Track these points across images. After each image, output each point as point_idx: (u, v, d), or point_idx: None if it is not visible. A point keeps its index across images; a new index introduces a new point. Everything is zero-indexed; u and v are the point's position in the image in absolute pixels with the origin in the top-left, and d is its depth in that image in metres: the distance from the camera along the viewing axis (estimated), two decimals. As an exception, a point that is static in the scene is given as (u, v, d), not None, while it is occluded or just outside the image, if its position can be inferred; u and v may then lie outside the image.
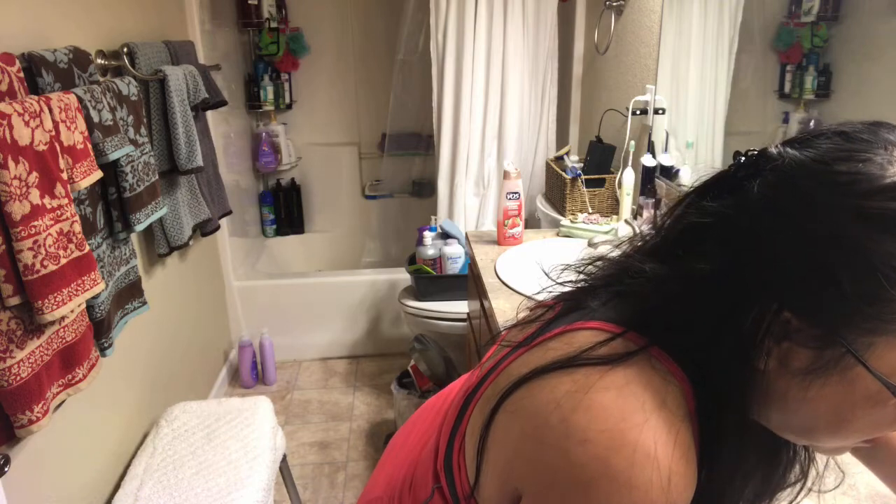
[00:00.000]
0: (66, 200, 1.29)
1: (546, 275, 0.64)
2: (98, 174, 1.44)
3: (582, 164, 2.38)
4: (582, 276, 0.61)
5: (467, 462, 0.59)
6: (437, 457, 0.66)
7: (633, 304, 0.54)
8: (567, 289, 0.62)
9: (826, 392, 0.47)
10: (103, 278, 1.46)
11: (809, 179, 0.47)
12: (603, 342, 0.50)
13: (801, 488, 0.64)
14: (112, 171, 1.59)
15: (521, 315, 0.65)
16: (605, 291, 0.57)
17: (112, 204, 1.62)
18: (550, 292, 0.64)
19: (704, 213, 0.52)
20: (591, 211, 2.20)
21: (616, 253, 0.61)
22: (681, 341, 0.50)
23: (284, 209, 3.60)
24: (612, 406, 0.46)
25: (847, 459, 0.96)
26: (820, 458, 0.68)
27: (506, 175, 1.91)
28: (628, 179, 2.03)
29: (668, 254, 0.54)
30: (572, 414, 0.46)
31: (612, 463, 0.44)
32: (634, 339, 0.51)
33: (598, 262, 0.61)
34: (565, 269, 0.62)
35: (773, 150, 0.50)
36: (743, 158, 0.52)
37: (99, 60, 1.70)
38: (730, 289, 0.48)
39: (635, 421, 0.45)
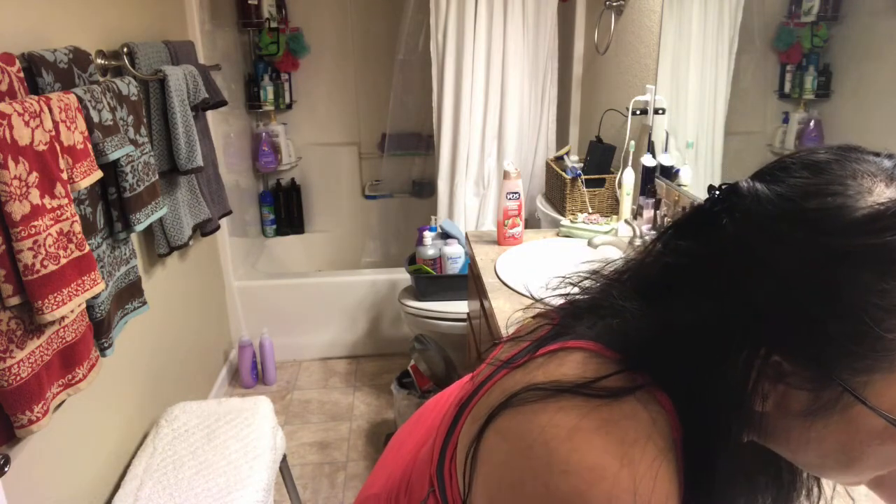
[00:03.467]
0: (66, 200, 1.29)
1: (532, 297, 0.62)
2: (98, 174, 1.44)
3: (582, 164, 2.38)
4: (573, 292, 0.60)
5: (458, 474, 0.58)
6: (432, 462, 0.65)
7: (619, 339, 0.52)
8: (559, 302, 0.62)
9: (830, 431, 0.46)
10: (103, 278, 1.46)
11: (780, 220, 0.46)
12: (596, 379, 0.49)
13: None
14: (112, 171, 1.59)
15: (514, 329, 0.64)
16: (590, 316, 0.56)
17: (112, 204, 1.62)
18: (543, 307, 0.63)
19: (680, 253, 0.51)
20: (591, 211, 2.20)
21: (611, 265, 0.60)
22: (671, 380, 0.49)
23: (284, 209, 3.60)
24: (596, 440, 0.45)
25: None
26: (827, 485, 0.67)
27: (506, 175, 1.91)
28: (628, 179, 2.03)
29: (648, 292, 0.53)
30: (557, 444, 0.46)
31: (591, 496, 0.43)
32: (627, 375, 0.49)
33: (591, 277, 0.60)
34: (560, 281, 0.61)
35: (744, 186, 0.49)
36: (717, 192, 0.51)
37: (99, 60, 1.70)
38: (714, 334, 0.47)
39: (617, 455, 0.44)
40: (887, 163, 0.48)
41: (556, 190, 2.38)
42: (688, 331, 0.48)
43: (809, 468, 0.51)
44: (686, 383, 0.48)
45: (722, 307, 0.47)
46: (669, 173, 2.00)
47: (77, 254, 1.32)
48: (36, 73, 1.34)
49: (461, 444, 0.58)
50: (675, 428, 0.48)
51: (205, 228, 2.32)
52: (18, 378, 1.19)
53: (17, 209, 1.15)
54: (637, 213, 2.02)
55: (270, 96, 3.33)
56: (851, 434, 0.45)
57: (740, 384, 0.46)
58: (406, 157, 3.49)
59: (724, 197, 0.49)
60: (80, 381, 1.39)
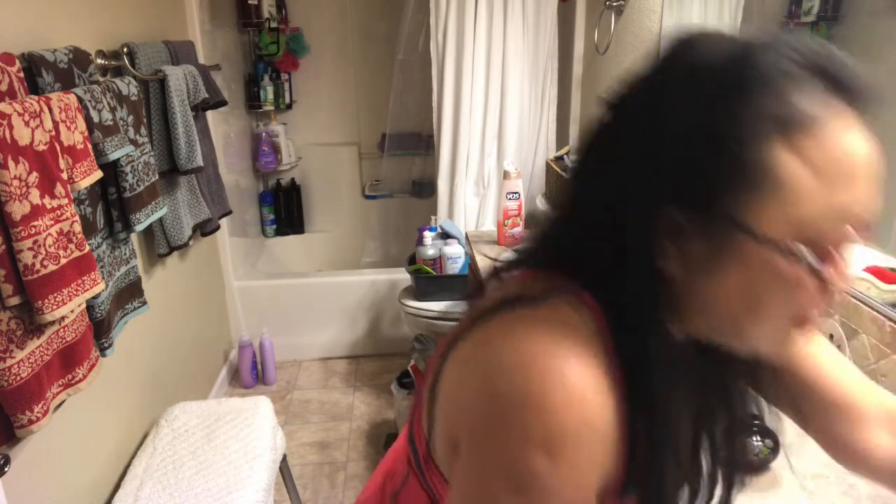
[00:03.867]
0: (66, 200, 1.29)
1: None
2: (98, 174, 1.44)
3: (582, 164, 2.38)
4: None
5: (424, 425, 0.60)
6: (406, 436, 0.67)
7: (545, 249, 0.58)
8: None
9: (731, 278, 0.48)
10: (103, 278, 1.46)
11: (659, 74, 0.51)
12: (526, 292, 0.53)
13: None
14: (112, 171, 1.59)
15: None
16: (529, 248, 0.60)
17: (112, 204, 1.62)
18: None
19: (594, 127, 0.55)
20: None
21: None
22: (589, 269, 0.52)
23: (284, 209, 3.60)
24: (529, 339, 0.48)
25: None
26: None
27: (506, 175, 1.91)
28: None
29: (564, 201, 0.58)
30: (496, 351, 0.49)
31: (529, 390, 0.46)
32: (551, 279, 0.53)
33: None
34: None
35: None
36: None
37: (99, 60, 1.70)
38: (616, 200, 0.50)
39: (549, 351, 0.47)
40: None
41: (556, 190, 2.38)
42: (591, 206, 0.53)
43: (727, 331, 0.52)
44: (600, 261, 0.51)
45: (618, 170, 0.50)
46: (669, 173, 2.00)
47: (77, 254, 1.32)
48: (36, 73, 1.34)
49: (425, 395, 0.59)
50: (603, 327, 0.50)
51: (205, 228, 2.32)
52: (18, 378, 1.19)
53: (17, 209, 1.15)
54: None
55: (270, 96, 3.33)
56: (750, 275, 0.47)
57: (644, 244, 0.49)
58: (406, 157, 3.49)
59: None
60: (80, 381, 1.39)
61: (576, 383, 0.46)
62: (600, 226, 0.51)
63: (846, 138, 0.46)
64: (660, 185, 0.48)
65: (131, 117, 1.67)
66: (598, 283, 0.51)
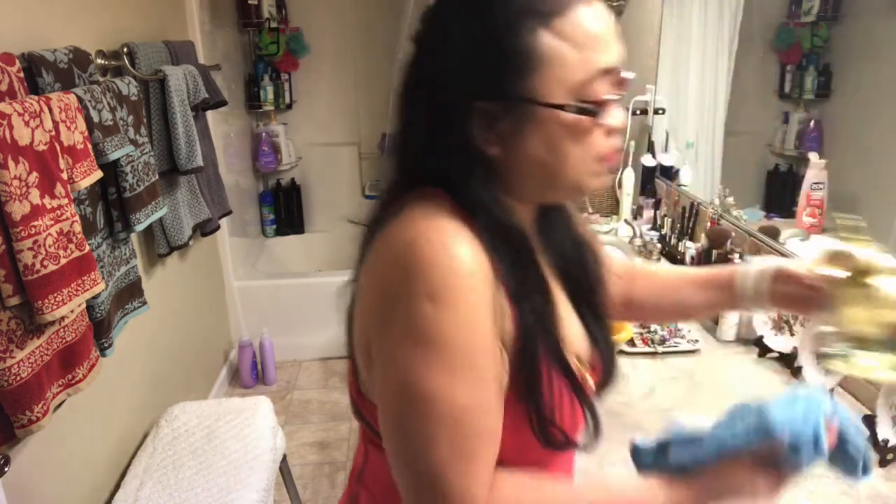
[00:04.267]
0: (66, 200, 1.29)
1: None
2: (98, 174, 1.44)
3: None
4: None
5: (356, 364, 0.69)
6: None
7: (401, 173, 0.68)
8: None
9: (537, 141, 0.60)
10: (103, 278, 1.46)
11: (440, 3, 0.63)
12: (399, 203, 0.63)
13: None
14: (112, 171, 1.59)
15: None
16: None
17: (112, 204, 1.62)
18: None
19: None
20: (591, 211, 2.20)
21: None
22: (435, 172, 0.63)
23: (284, 209, 3.60)
24: (411, 224, 0.59)
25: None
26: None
27: (506, 175, 1.91)
28: (628, 179, 2.03)
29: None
30: (387, 244, 0.60)
31: (414, 256, 0.56)
32: (416, 191, 0.64)
33: None
34: None
35: None
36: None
37: (99, 60, 1.70)
38: (436, 111, 0.61)
39: (428, 228, 0.58)
40: None
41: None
42: (418, 124, 0.64)
43: (553, 185, 0.64)
44: (441, 166, 0.62)
45: (434, 79, 0.62)
46: (669, 173, 2.00)
47: (77, 254, 1.32)
48: (36, 73, 1.34)
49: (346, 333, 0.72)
50: (458, 209, 0.61)
51: (205, 228, 2.32)
52: (18, 378, 1.19)
53: (17, 209, 1.15)
54: (637, 213, 2.03)
55: (270, 96, 3.33)
56: (547, 133, 0.60)
57: (466, 138, 0.60)
58: (406, 157, 3.49)
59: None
60: (80, 381, 1.39)
61: (449, 245, 0.57)
62: (432, 137, 0.63)
63: (589, 14, 0.59)
64: (464, 87, 0.60)
65: (131, 117, 1.67)
66: (446, 180, 0.62)
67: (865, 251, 0.62)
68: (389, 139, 0.73)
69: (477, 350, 0.57)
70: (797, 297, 0.74)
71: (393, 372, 0.58)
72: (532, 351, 0.60)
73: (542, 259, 0.67)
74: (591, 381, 0.68)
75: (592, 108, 0.59)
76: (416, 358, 0.56)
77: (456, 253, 0.57)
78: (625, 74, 0.61)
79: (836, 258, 0.66)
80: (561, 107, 0.58)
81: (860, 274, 0.63)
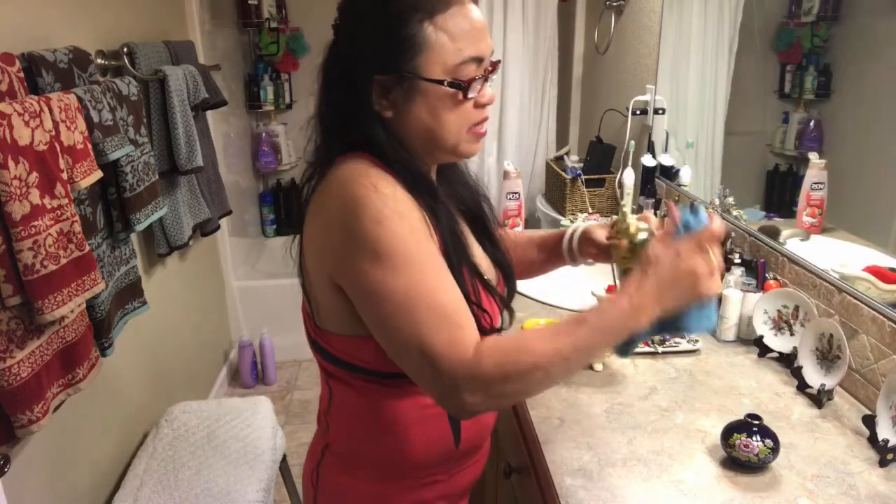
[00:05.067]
0: (66, 200, 1.29)
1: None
2: (98, 174, 1.44)
3: (582, 164, 2.38)
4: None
5: (306, 304, 0.88)
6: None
7: (325, 144, 0.83)
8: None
9: (421, 108, 0.77)
10: (103, 278, 1.46)
11: None
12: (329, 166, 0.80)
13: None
14: (112, 171, 1.59)
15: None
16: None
17: (112, 204, 1.62)
18: None
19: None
20: (591, 211, 2.20)
21: None
22: (347, 137, 0.79)
23: (284, 209, 3.60)
24: (348, 173, 0.75)
25: (845, 460, 0.96)
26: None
27: (506, 175, 1.91)
28: (628, 179, 2.03)
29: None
30: (331, 191, 0.76)
31: (357, 193, 0.72)
32: (340, 157, 0.79)
33: None
34: None
35: None
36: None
37: (99, 60, 1.70)
38: (348, 80, 0.77)
39: (362, 174, 0.75)
40: None
41: (556, 190, 2.38)
42: (337, 90, 0.79)
43: (437, 147, 0.80)
44: (353, 132, 0.79)
45: (344, 58, 0.78)
46: (669, 173, 1.99)
47: (77, 254, 1.32)
48: (36, 73, 1.34)
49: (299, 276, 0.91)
50: (378, 163, 0.77)
51: (205, 228, 2.32)
52: (18, 378, 1.19)
53: (17, 209, 1.15)
54: (637, 213, 2.02)
55: (270, 96, 3.33)
56: (429, 103, 0.77)
57: (369, 105, 0.77)
58: (406, 157, 3.49)
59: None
60: (80, 381, 1.39)
61: (379, 184, 0.73)
62: (345, 104, 0.79)
63: (465, 13, 0.76)
64: (367, 65, 0.76)
65: (131, 117, 1.67)
66: (364, 143, 0.78)
67: (629, 220, 0.89)
68: (316, 108, 0.85)
69: (423, 250, 0.72)
70: (596, 252, 0.98)
71: (364, 285, 0.71)
72: (453, 260, 0.77)
73: (448, 202, 0.85)
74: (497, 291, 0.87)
75: (463, 86, 0.76)
76: (379, 268, 0.70)
77: (385, 188, 0.73)
78: (492, 60, 0.79)
79: (614, 224, 0.93)
80: (440, 82, 0.75)
81: (625, 234, 0.90)
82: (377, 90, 0.77)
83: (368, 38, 0.76)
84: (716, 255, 0.75)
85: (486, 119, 0.83)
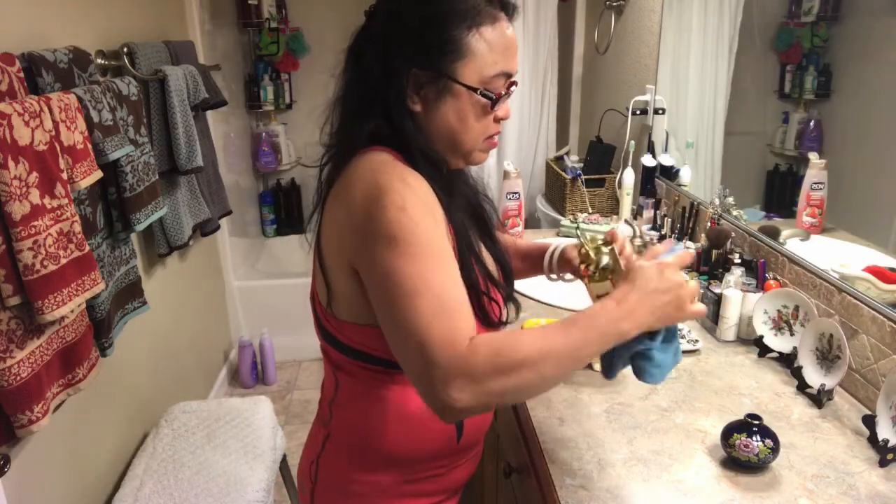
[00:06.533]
0: (66, 200, 1.29)
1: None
2: (98, 174, 1.44)
3: (582, 164, 2.38)
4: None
5: (321, 297, 0.86)
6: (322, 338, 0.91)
7: (347, 135, 0.84)
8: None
9: (449, 107, 0.80)
10: (103, 278, 1.46)
11: None
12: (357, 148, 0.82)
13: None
14: (112, 171, 1.59)
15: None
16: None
17: (112, 204, 1.62)
18: None
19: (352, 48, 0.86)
20: (591, 211, 2.20)
21: None
22: (371, 130, 0.81)
23: (284, 209, 3.60)
24: (369, 163, 0.78)
25: (845, 460, 0.96)
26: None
27: (506, 175, 1.91)
28: (628, 179, 2.03)
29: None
30: (352, 178, 0.78)
31: (382, 182, 0.75)
32: (363, 149, 0.81)
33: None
34: None
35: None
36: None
37: (99, 60, 1.70)
38: (380, 73, 0.80)
39: (385, 164, 0.78)
40: None
41: (556, 190, 2.38)
42: (366, 78, 0.82)
43: (455, 149, 0.84)
44: (380, 122, 0.80)
45: (379, 52, 0.80)
46: (669, 173, 1.99)
47: (77, 254, 1.32)
48: (36, 73, 1.34)
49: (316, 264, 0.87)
50: (400, 157, 0.80)
51: (205, 228, 2.32)
52: (18, 378, 1.19)
53: (17, 209, 1.15)
54: (637, 213, 2.02)
55: (270, 96, 3.33)
56: (459, 106, 0.80)
57: (401, 97, 0.79)
58: (406, 157, 3.49)
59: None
60: (81, 381, 1.39)
61: (404, 174, 0.76)
62: (374, 88, 0.80)
63: (508, 30, 0.82)
64: (407, 56, 0.78)
65: (131, 117, 1.67)
66: (388, 138, 0.80)
67: (587, 247, 0.90)
68: (338, 91, 0.87)
69: (440, 244, 0.74)
70: (571, 268, 1.01)
71: (379, 268, 0.73)
72: (465, 255, 0.81)
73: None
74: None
75: (493, 97, 0.81)
76: (396, 253, 0.71)
77: (412, 181, 0.76)
78: (515, 79, 0.84)
79: (580, 246, 0.94)
80: (474, 89, 0.79)
81: (588, 260, 0.91)
82: (411, 83, 0.79)
83: (415, 34, 0.78)
84: (695, 283, 0.78)
85: (499, 132, 0.87)
